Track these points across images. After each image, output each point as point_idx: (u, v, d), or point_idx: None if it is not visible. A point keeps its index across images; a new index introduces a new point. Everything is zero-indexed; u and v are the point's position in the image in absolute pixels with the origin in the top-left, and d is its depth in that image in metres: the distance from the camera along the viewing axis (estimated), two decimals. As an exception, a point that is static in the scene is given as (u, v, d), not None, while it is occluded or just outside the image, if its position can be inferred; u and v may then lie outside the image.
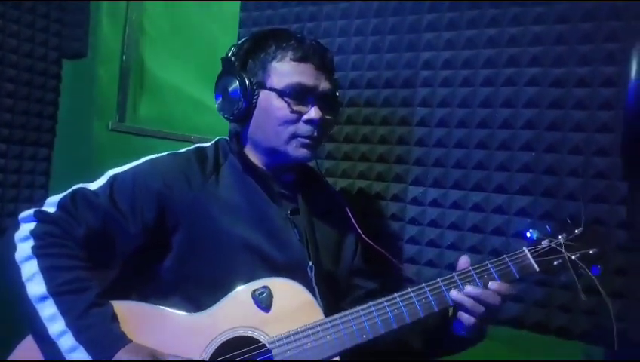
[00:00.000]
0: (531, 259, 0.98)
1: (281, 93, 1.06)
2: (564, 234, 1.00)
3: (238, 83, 1.08)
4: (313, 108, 1.06)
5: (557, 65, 1.24)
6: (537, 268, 0.98)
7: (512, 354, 1.29)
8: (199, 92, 1.91)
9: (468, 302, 0.96)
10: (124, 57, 1.89)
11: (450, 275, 0.98)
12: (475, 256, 1.33)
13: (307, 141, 1.07)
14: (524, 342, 1.29)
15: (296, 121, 1.07)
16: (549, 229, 1.02)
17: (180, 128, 1.89)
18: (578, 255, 0.98)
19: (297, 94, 1.06)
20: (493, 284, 0.97)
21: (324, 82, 1.09)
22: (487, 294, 0.96)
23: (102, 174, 1.06)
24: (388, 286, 1.27)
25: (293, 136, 1.07)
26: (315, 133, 1.08)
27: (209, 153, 1.12)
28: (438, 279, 0.98)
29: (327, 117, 1.10)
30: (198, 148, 1.13)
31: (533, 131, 1.27)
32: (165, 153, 1.10)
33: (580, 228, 1.00)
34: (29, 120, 1.64)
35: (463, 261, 1.02)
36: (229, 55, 1.12)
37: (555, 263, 0.98)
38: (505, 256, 0.99)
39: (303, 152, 1.08)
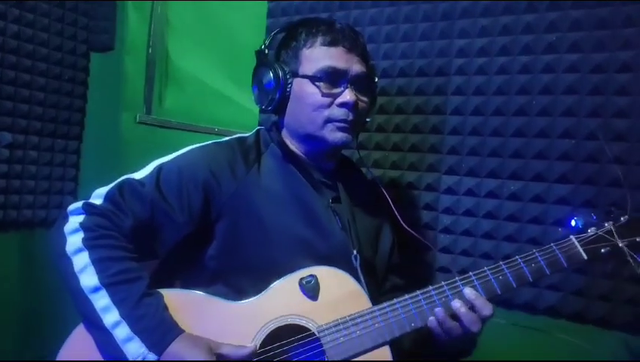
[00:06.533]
0: (579, 248, 0.97)
1: (313, 79, 1.06)
2: (611, 222, 0.98)
3: (271, 74, 1.08)
4: (346, 91, 1.05)
5: (597, 50, 1.22)
6: (585, 257, 0.97)
7: (549, 344, 1.28)
8: (223, 85, 1.90)
9: None
10: (150, 50, 1.89)
11: (497, 264, 0.97)
12: (511, 244, 1.32)
13: (342, 125, 1.06)
14: (561, 332, 1.28)
15: (329, 106, 1.06)
16: (594, 217, 1.00)
17: (203, 120, 1.89)
18: (626, 242, 0.96)
19: (329, 78, 1.05)
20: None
21: (357, 65, 1.08)
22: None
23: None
24: (414, 281, 1.26)
25: (328, 120, 1.06)
26: (350, 117, 1.06)
27: (251, 142, 1.12)
28: (485, 268, 0.98)
29: (363, 100, 1.09)
30: (240, 137, 1.13)
31: (573, 118, 1.25)
32: (209, 142, 1.09)
33: (626, 216, 0.98)
34: (59, 113, 1.65)
35: None
36: (263, 47, 1.12)
37: (602, 251, 0.97)
38: (552, 244, 0.98)
39: (340, 136, 1.07)
